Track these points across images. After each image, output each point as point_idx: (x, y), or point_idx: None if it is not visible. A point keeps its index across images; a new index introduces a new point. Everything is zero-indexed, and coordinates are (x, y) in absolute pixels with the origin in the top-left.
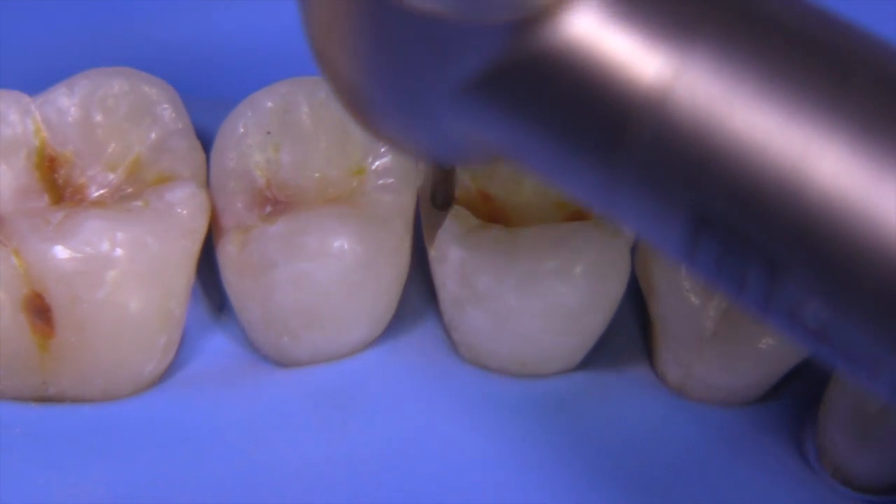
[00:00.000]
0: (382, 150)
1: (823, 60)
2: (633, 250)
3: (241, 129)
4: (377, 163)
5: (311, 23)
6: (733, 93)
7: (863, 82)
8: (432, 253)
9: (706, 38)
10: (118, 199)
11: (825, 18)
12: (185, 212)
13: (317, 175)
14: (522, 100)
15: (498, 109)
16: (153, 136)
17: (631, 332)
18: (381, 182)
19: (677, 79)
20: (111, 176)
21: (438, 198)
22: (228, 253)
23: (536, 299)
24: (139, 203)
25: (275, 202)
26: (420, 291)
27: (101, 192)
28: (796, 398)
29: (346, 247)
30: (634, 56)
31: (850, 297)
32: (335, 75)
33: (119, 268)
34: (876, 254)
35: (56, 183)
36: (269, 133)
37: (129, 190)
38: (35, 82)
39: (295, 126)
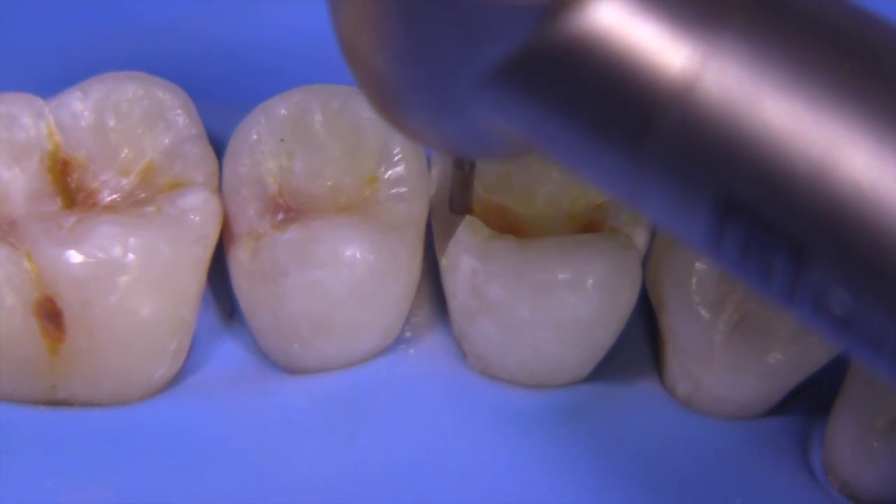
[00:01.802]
0: (395, 159)
1: (853, 49)
2: (645, 263)
3: (255, 136)
4: (390, 172)
5: (340, 10)
6: (762, 81)
7: (892, 72)
8: (443, 262)
9: (734, 27)
10: (131, 205)
11: (853, 9)
12: (197, 218)
13: (329, 183)
14: (548, 88)
15: (523, 98)
16: (166, 141)
17: (640, 344)
18: (393, 191)
19: (705, 67)
20: (124, 181)
21: (456, 203)
22: (240, 260)
23: (547, 310)
24: (151, 208)
25: (287, 209)
26: (431, 301)
27: (114, 196)
28: (804, 413)
29: (357, 255)
30: (662, 44)
31: (878, 284)
32: (362, 65)
33: (131, 273)
34: None
35: (69, 187)
36: (282, 140)
37: (142, 195)
38: (49, 85)
39: (308, 134)
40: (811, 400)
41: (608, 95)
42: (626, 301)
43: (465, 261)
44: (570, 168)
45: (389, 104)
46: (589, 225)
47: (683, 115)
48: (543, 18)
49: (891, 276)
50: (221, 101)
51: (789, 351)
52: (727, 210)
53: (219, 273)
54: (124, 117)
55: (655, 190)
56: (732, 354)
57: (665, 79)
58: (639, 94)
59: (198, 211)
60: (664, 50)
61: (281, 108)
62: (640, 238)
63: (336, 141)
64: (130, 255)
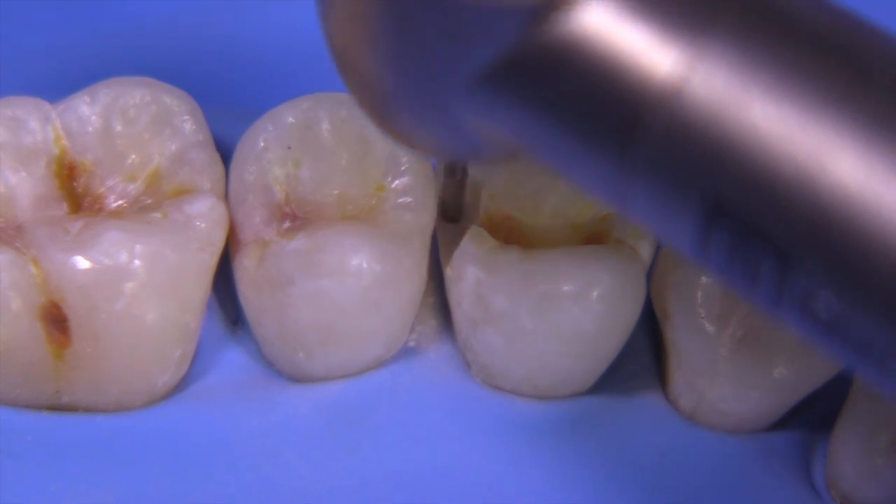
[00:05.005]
0: (402, 168)
1: (841, 55)
2: (650, 275)
3: (262, 143)
4: (397, 181)
5: (330, 15)
6: (750, 86)
7: (880, 77)
8: (448, 272)
9: (722, 32)
10: (137, 210)
11: (843, 15)
12: (203, 225)
13: (336, 192)
14: (536, 91)
15: (512, 101)
16: (173, 147)
17: (644, 356)
18: (400, 200)
19: (693, 71)
20: (130, 186)
21: (449, 209)
22: (245, 267)
23: (551, 322)
24: (158, 215)
25: (293, 217)
26: (435, 310)
27: (120, 202)
28: (807, 428)
29: (364, 265)
30: (650, 48)
31: (864, 288)
32: (353, 70)
33: (137, 279)
34: (890, 246)
35: (75, 192)
36: (289, 148)
37: (148, 201)
38: (55, 90)
39: (315, 142)
40: (815, 415)
41: (595, 99)
42: (630, 313)
43: (469, 271)
44: (558, 171)
45: (379, 108)
46: (594, 236)
47: (671, 118)
48: (530, 22)
49: (877, 281)
50: (229, 107)
51: (794, 366)
52: (714, 214)
53: (224, 280)
54: (131, 123)
55: (643, 193)
56: (736, 368)
57: (652, 82)
58: (626, 97)
59: (204, 218)
60: (651, 53)
61: (288, 115)
62: (646, 250)
63: (343, 149)
64: (136, 262)
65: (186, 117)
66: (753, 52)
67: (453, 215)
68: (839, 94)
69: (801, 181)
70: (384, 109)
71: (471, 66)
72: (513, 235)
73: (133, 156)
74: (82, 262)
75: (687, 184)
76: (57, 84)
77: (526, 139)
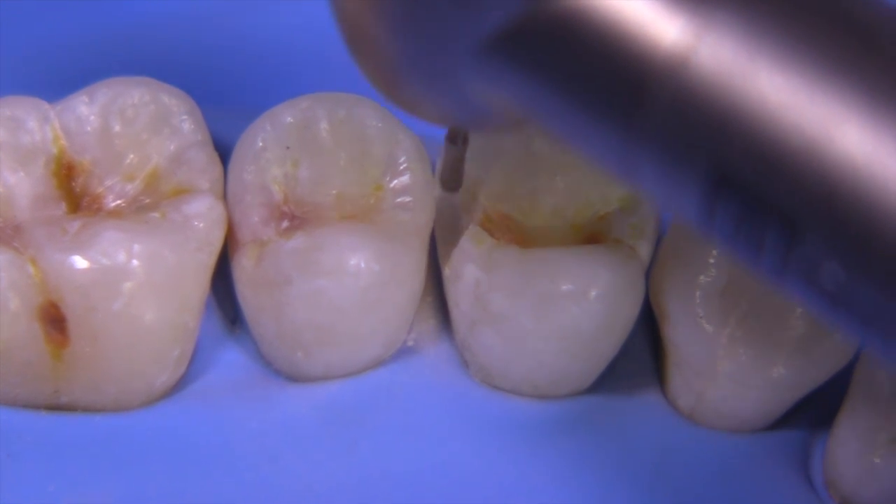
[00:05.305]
0: (401, 168)
1: (850, 24)
2: (648, 275)
3: (260, 143)
4: (395, 181)
5: None
6: (757, 56)
7: (890, 47)
8: (447, 272)
9: (729, 1)
10: (135, 210)
11: None
12: (201, 225)
13: (334, 191)
14: (542, 59)
15: (519, 69)
16: (172, 147)
17: (643, 355)
18: (398, 200)
19: (700, 41)
20: (129, 186)
21: (448, 179)
22: (244, 267)
23: (550, 321)
24: (156, 214)
25: (292, 217)
26: (434, 310)
27: (119, 202)
28: (805, 427)
29: (362, 265)
30: (656, 17)
31: (870, 259)
32: (360, 37)
33: (135, 279)
34: None
35: (73, 192)
36: (287, 148)
37: (147, 201)
38: (54, 89)
39: (314, 142)
40: (813, 414)
41: (602, 68)
42: (628, 312)
43: (468, 270)
44: (563, 140)
45: (386, 75)
46: (593, 236)
47: (677, 88)
48: None
49: (884, 252)
50: (227, 107)
51: (792, 365)
52: (720, 184)
53: (223, 280)
54: (130, 122)
55: (648, 163)
56: (735, 368)
57: (658, 51)
58: (632, 66)
59: (202, 217)
60: (658, 22)
61: (287, 115)
62: (644, 250)
63: (342, 149)
64: (135, 262)
65: (185, 117)
66: (761, 22)
67: (452, 185)
68: (848, 65)
69: (809, 152)
70: (391, 77)
71: (478, 32)
72: (511, 235)
73: (131, 155)
74: (80, 262)
75: (693, 154)
76: (56, 84)
77: (532, 107)
